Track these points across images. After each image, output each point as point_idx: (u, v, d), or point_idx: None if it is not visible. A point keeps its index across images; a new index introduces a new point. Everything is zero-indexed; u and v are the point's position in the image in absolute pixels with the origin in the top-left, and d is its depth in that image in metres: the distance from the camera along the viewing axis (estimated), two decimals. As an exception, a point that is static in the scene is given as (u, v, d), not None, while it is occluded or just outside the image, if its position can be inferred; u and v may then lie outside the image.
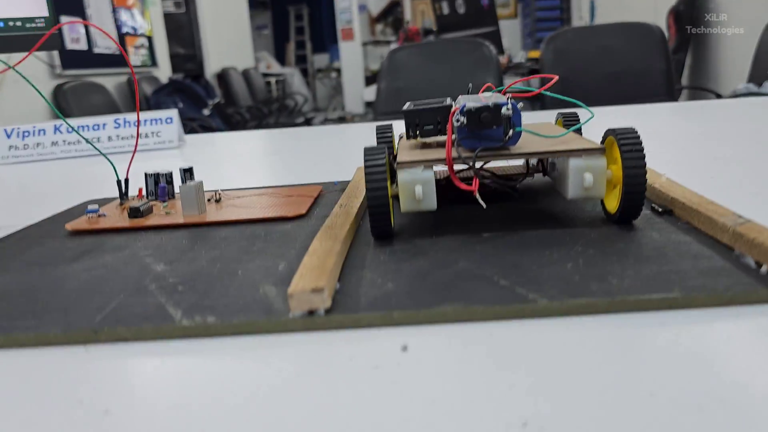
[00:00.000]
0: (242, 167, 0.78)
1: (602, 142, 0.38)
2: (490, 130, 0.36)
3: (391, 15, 7.43)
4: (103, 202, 0.56)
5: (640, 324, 0.26)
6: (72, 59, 3.03)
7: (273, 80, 6.39)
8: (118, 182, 0.52)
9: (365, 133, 1.03)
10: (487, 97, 0.39)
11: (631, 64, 1.70)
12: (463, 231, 0.38)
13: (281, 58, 7.68)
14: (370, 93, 5.46)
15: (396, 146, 0.47)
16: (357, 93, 6.55)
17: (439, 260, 0.33)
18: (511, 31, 6.05)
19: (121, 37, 3.54)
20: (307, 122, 3.72)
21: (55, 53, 2.88)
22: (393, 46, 4.31)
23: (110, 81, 3.34)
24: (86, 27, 3.11)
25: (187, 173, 0.52)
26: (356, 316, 0.27)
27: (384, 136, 0.49)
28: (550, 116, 0.53)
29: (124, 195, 0.52)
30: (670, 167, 0.50)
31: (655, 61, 1.68)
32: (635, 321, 0.26)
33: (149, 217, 0.46)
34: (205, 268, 0.35)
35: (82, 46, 3.15)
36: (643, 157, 0.35)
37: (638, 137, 0.36)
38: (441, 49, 1.95)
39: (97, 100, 3.02)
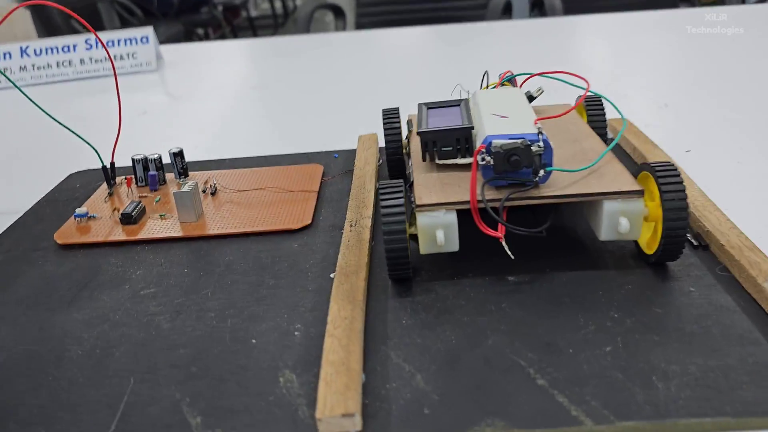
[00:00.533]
0: (228, 110, 0.73)
1: (635, 176, 0.35)
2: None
3: None
4: (87, 178, 0.53)
5: (688, 451, 0.24)
6: None
7: None
8: (104, 168, 0.48)
9: (354, 48, 0.97)
10: (516, 113, 0.36)
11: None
12: (486, 269, 0.35)
13: None
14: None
15: (405, 135, 0.44)
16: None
17: (466, 331, 0.31)
18: None
19: None
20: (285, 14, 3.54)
21: None
22: None
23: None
24: None
25: (178, 157, 0.48)
26: (390, 440, 0.25)
27: (391, 122, 0.45)
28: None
29: (111, 181, 0.49)
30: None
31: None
32: (683, 445, 0.25)
33: (143, 222, 0.43)
34: (216, 329, 0.33)
35: None
36: (685, 198, 0.32)
37: (678, 174, 0.33)
38: None
39: None
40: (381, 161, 0.50)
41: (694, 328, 0.30)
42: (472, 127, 0.36)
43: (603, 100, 0.43)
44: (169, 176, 0.50)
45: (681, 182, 0.32)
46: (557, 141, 0.39)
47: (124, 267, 0.39)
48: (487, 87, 0.44)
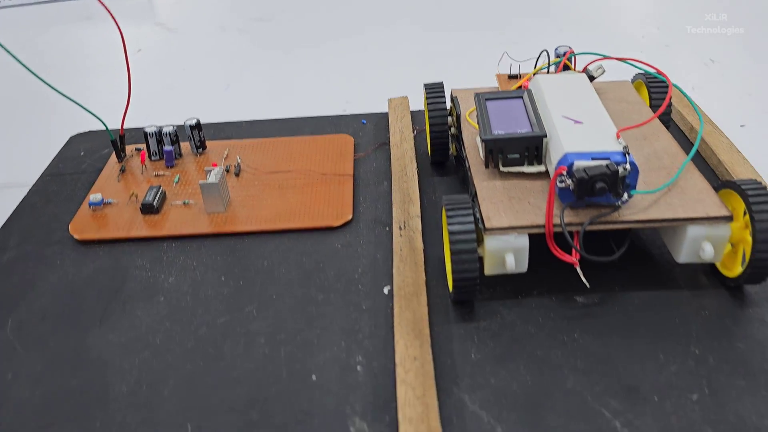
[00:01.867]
0: (232, 46, 0.67)
1: (716, 190, 0.32)
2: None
3: None
4: (90, 142, 0.49)
5: None
6: None
7: None
8: (113, 142, 0.44)
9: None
10: (591, 118, 0.32)
11: None
12: (551, 286, 0.33)
13: None
14: None
15: (454, 115, 0.40)
16: None
17: (542, 368, 0.29)
18: None
19: None
20: None
21: None
22: None
23: None
24: None
25: (195, 130, 0.44)
26: None
27: (435, 99, 0.41)
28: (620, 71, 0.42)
29: (121, 153, 0.45)
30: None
31: None
32: None
33: (166, 212, 0.40)
34: (269, 360, 0.30)
35: None
36: None
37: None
38: None
39: None
40: (416, 132, 0.46)
41: (782, 372, 0.28)
42: (545, 136, 0.33)
43: (669, 84, 0.40)
44: (184, 146, 0.46)
45: None
46: (617, 122, 0.36)
47: (153, 272, 0.36)
48: (547, 69, 0.40)
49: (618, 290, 0.33)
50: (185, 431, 0.27)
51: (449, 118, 0.41)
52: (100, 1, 0.42)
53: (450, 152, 0.42)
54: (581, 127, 0.33)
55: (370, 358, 0.30)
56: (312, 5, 0.76)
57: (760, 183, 0.31)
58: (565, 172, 0.30)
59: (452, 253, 0.30)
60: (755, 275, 0.31)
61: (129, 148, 0.46)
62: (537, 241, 0.31)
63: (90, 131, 0.50)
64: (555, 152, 0.32)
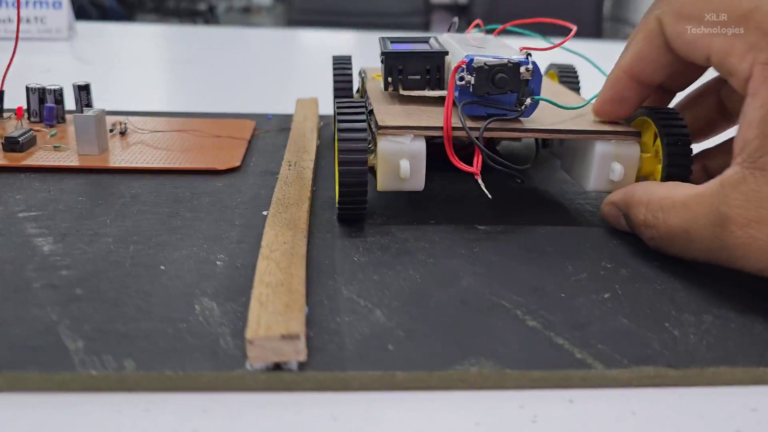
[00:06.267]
0: (149, 79, 0.65)
1: (629, 123, 0.30)
2: (502, 95, 0.28)
3: None
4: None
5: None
6: None
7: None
8: (-12, 96, 0.40)
9: (278, 44, 0.91)
10: (494, 47, 0.31)
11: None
12: (451, 216, 0.30)
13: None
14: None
15: (360, 87, 0.38)
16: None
17: (433, 271, 0.25)
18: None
19: None
20: (210, 10, 3.42)
21: None
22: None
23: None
24: None
25: (83, 91, 0.41)
26: (343, 376, 0.19)
27: (342, 70, 0.39)
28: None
29: (-2, 111, 0.40)
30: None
31: None
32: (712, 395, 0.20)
33: (32, 151, 0.35)
34: (113, 253, 0.25)
35: None
36: (690, 143, 0.28)
37: (682, 118, 0.29)
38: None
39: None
40: (323, 124, 0.44)
41: (704, 280, 0.25)
42: (447, 53, 0.31)
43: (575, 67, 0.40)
44: (70, 118, 0.42)
45: (685, 126, 0.28)
46: None
47: (1, 190, 0.31)
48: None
49: (524, 225, 0.30)
50: (-15, 302, 0.22)
51: (356, 95, 0.39)
52: None
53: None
54: (484, 50, 0.31)
55: (235, 257, 0.25)
56: (229, 50, 0.76)
57: (676, 112, 0.29)
58: (464, 66, 0.28)
59: (340, 152, 0.27)
60: None
61: (6, 113, 0.42)
62: (435, 174, 0.28)
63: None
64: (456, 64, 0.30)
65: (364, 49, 0.85)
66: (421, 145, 0.28)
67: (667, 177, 0.28)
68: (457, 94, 0.28)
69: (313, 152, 0.35)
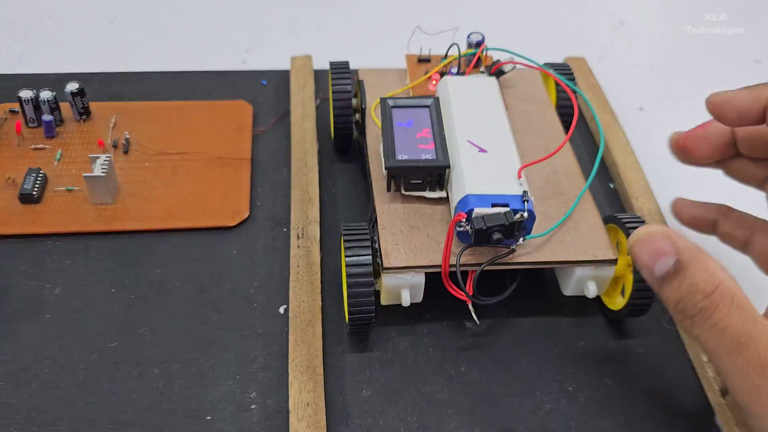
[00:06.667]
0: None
1: (605, 222, 0.33)
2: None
3: None
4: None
5: None
6: None
7: None
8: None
9: None
10: (491, 162, 0.32)
11: None
12: (443, 311, 0.34)
13: None
14: None
15: (359, 98, 0.38)
16: None
17: (427, 407, 0.31)
18: None
19: None
20: None
21: None
22: None
23: None
24: None
25: (77, 97, 0.41)
26: None
27: (341, 81, 0.39)
28: None
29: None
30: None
31: None
32: None
33: (47, 201, 0.37)
34: (164, 396, 0.30)
35: None
36: None
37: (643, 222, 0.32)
38: None
39: None
40: (319, 101, 0.44)
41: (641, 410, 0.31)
42: (449, 166, 0.32)
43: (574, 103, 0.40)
44: (65, 107, 0.42)
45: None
46: (521, 132, 0.37)
47: (38, 279, 0.34)
48: (458, 62, 0.39)
49: (506, 316, 0.34)
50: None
51: (354, 101, 0.39)
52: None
53: (354, 137, 0.41)
54: (485, 159, 0.32)
55: (265, 396, 0.31)
56: None
57: (641, 218, 0.32)
58: (464, 219, 0.30)
59: (348, 286, 0.30)
60: (635, 311, 0.33)
61: (1, 108, 0.42)
62: (434, 274, 0.32)
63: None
64: (457, 184, 0.32)
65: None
66: (421, 279, 0.31)
67: (633, 298, 0.32)
68: (456, 234, 0.31)
69: (316, 201, 0.37)
